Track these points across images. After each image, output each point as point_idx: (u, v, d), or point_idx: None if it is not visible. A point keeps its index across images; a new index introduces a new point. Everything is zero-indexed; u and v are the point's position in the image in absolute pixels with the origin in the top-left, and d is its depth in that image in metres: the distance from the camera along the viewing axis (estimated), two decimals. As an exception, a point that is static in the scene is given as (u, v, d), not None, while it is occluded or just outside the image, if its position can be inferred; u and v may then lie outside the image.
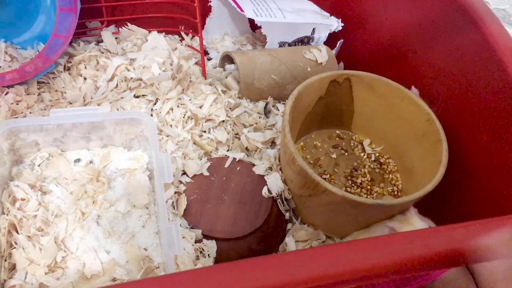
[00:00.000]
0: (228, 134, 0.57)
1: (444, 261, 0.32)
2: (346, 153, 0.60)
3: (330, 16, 0.71)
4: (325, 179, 0.56)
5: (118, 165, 0.54)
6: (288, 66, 0.62)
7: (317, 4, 0.73)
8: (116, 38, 0.66)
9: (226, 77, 0.63)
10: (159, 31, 0.68)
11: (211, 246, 0.48)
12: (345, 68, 0.74)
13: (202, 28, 0.72)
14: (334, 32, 0.70)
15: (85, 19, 0.66)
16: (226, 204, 0.51)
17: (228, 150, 0.57)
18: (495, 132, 0.47)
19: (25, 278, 0.44)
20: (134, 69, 0.60)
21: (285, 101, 0.54)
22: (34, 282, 0.44)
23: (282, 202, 0.52)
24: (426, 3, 0.57)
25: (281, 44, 0.68)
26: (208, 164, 0.53)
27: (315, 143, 0.61)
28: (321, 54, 0.64)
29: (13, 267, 0.44)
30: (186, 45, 0.68)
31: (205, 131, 0.57)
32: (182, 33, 0.71)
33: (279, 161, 0.55)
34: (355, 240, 0.33)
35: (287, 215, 0.53)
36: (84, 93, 0.58)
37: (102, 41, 0.65)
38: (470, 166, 0.51)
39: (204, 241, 0.48)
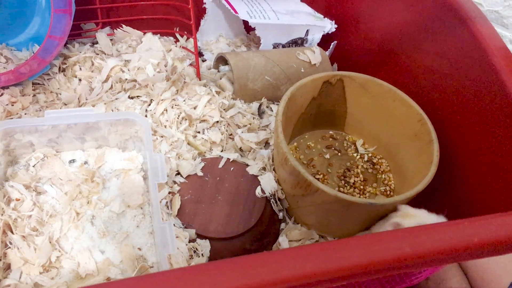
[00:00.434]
0: (222, 134, 0.57)
1: (433, 259, 0.33)
2: (339, 154, 0.61)
3: (324, 17, 0.72)
4: (318, 179, 0.57)
5: (112, 165, 0.54)
6: (282, 67, 0.63)
7: (311, 6, 0.74)
8: (111, 39, 0.66)
9: (221, 78, 0.64)
10: (154, 33, 0.69)
11: (204, 246, 0.48)
12: (339, 69, 0.75)
13: (197, 29, 0.72)
14: (327, 33, 0.71)
15: (80, 21, 0.66)
16: (219, 204, 0.51)
17: (222, 151, 0.57)
18: (485, 131, 0.48)
19: (20, 277, 0.44)
20: (128, 70, 0.60)
21: (279, 102, 0.54)
22: (29, 281, 0.44)
23: (276, 202, 0.53)
24: (417, 5, 0.58)
25: (275, 46, 0.69)
26: (202, 164, 0.54)
27: (308, 143, 0.61)
28: (315, 55, 0.65)
29: (8, 267, 0.45)
30: (180, 46, 0.68)
31: (199, 132, 0.57)
32: (177, 35, 0.72)
33: (273, 161, 0.55)
34: (345, 238, 0.33)
35: (280, 215, 0.54)
36: (79, 94, 0.58)
37: (97, 43, 0.65)
38: (461, 166, 0.51)
39: (198, 240, 0.49)
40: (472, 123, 0.50)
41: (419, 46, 0.58)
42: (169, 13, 0.68)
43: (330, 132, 0.63)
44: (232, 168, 0.54)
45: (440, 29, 0.54)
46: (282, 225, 0.55)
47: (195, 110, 0.58)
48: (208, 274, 0.27)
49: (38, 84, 0.59)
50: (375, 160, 0.60)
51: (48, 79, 0.59)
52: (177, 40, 0.72)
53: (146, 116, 0.57)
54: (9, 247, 0.45)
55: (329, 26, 0.70)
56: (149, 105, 0.58)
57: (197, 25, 0.73)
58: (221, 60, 0.66)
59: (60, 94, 0.58)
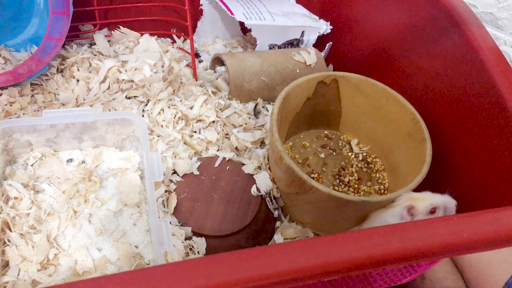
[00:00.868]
0: (218, 134, 0.58)
1: (422, 254, 0.33)
2: (334, 153, 0.61)
3: (319, 19, 0.72)
4: (313, 178, 0.57)
5: (110, 164, 0.55)
6: (278, 68, 0.63)
7: (306, 7, 0.75)
8: (108, 41, 0.67)
9: (217, 79, 0.64)
10: (151, 34, 0.69)
11: (200, 243, 0.49)
12: (334, 70, 0.76)
13: (193, 31, 0.73)
14: (323, 34, 0.72)
15: (78, 22, 0.67)
16: (215, 203, 0.52)
17: (218, 150, 0.58)
18: (477, 130, 0.49)
19: (18, 274, 0.45)
20: (126, 71, 0.61)
21: (275, 102, 0.55)
22: (27, 278, 0.45)
23: (271, 201, 0.54)
24: (412, 8, 0.58)
25: (271, 47, 0.70)
26: (199, 163, 0.55)
27: (303, 143, 0.62)
28: (310, 56, 0.66)
29: (6, 264, 0.45)
30: (177, 47, 0.69)
31: (195, 131, 0.58)
32: (174, 36, 0.72)
33: (268, 160, 0.56)
34: (336, 234, 0.34)
35: (275, 213, 0.55)
36: (77, 94, 0.59)
37: (94, 44, 0.66)
38: (453, 164, 0.52)
39: (194, 238, 0.49)
40: (464, 122, 0.50)
41: (413, 47, 0.59)
42: (166, 14, 0.69)
43: (325, 132, 0.64)
44: (228, 167, 0.55)
45: (433, 31, 0.55)
46: (278, 224, 0.55)
47: (191, 110, 0.58)
48: (199, 268, 0.28)
49: (37, 84, 0.60)
50: (369, 159, 0.61)
51: (46, 79, 0.60)
52: (174, 41, 0.73)
53: (143, 116, 0.58)
54: (8, 245, 0.46)
55: (324, 27, 0.71)
56: (146, 105, 0.58)
57: (194, 26, 0.74)
58: (218, 60, 0.67)
59: (58, 94, 0.59)
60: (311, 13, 0.73)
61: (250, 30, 0.68)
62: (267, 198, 0.53)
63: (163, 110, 0.58)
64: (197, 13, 0.73)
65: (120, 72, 0.60)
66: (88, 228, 0.49)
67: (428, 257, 0.34)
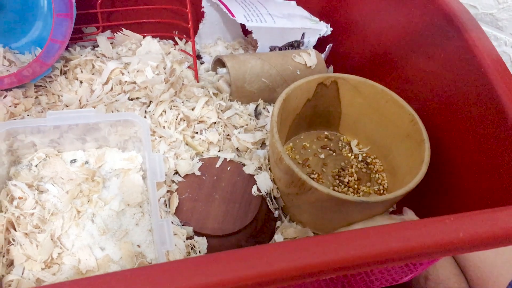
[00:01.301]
0: (219, 135, 0.58)
1: (419, 253, 0.34)
2: (334, 154, 0.62)
3: (320, 21, 0.73)
4: (313, 178, 0.58)
5: (113, 165, 0.56)
6: (278, 69, 0.64)
7: (306, 9, 0.75)
8: (111, 43, 0.68)
9: (218, 80, 0.65)
10: (153, 36, 0.70)
11: (201, 243, 0.50)
12: (334, 71, 0.77)
13: (195, 33, 0.74)
14: (323, 36, 0.72)
15: (81, 25, 0.68)
16: (216, 202, 0.52)
17: (219, 151, 0.58)
18: (475, 132, 0.49)
19: (22, 273, 0.45)
20: (128, 72, 0.62)
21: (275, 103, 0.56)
22: (31, 277, 0.45)
23: (271, 201, 0.54)
24: (411, 10, 0.59)
25: (272, 48, 0.70)
26: (200, 164, 0.55)
27: (304, 144, 0.63)
28: (310, 58, 0.66)
29: (11, 263, 0.46)
30: (179, 49, 0.70)
31: (197, 132, 0.59)
32: (176, 38, 0.73)
33: (268, 161, 0.57)
34: (334, 233, 0.35)
35: (276, 213, 0.55)
36: (80, 96, 0.60)
37: (98, 46, 0.67)
38: (451, 165, 0.53)
39: (195, 237, 0.50)
40: (462, 123, 0.51)
41: (412, 49, 0.60)
42: (168, 16, 0.69)
43: (325, 133, 0.64)
44: (229, 168, 0.56)
45: (432, 34, 0.56)
46: (278, 223, 0.56)
47: (193, 111, 0.59)
48: (200, 267, 0.29)
49: (41, 86, 0.61)
50: (369, 160, 0.61)
51: (50, 81, 0.61)
52: (176, 43, 0.74)
53: (145, 117, 0.58)
54: (12, 244, 0.47)
55: (325, 29, 0.71)
56: (148, 106, 0.59)
57: (196, 28, 0.75)
58: (219, 62, 0.68)
59: (62, 96, 0.60)
60: (311, 15, 0.74)
61: (251, 32, 0.69)
62: (268, 198, 0.54)
63: (165, 111, 0.58)
64: (199, 15, 0.73)
65: (123, 74, 0.61)
66: (91, 228, 0.50)
67: (424, 256, 0.35)
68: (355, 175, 0.60)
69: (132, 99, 0.60)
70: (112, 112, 0.58)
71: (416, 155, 0.53)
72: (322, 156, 0.61)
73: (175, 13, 0.69)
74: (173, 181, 0.53)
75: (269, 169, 0.56)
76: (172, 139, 0.56)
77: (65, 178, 0.53)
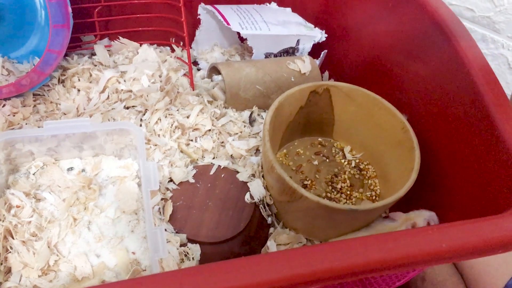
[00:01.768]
0: (213, 142, 0.59)
1: (401, 264, 0.35)
2: (327, 160, 0.63)
3: (315, 27, 0.74)
4: (306, 185, 0.59)
5: (109, 173, 0.57)
6: (272, 76, 0.65)
7: (302, 16, 0.76)
8: (108, 50, 0.69)
9: (213, 88, 0.66)
10: (151, 43, 0.71)
11: (195, 250, 0.51)
12: (330, 77, 0.77)
13: (192, 39, 0.75)
14: (318, 42, 0.73)
15: (79, 33, 0.69)
16: (210, 210, 0.53)
17: (213, 158, 0.59)
18: (464, 139, 0.50)
19: (20, 280, 0.47)
20: (124, 81, 0.63)
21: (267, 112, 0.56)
22: (28, 284, 0.47)
23: (264, 208, 0.55)
24: (403, 18, 0.60)
25: (267, 55, 0.71)
26: (194, 171, 0.56)
27: (297, 150, 0.63)
28: (305, 64, 0.67)
29: (8, 271, 0.47)
30: (175, 57, 0.71)
31: (192, 140, 0.60)
32: (174, 46, 0.74)
33: (262, 168, 0.58)
34: (317, 244, 0.36)
35: (269, 219, 0.56)
36: (78, 104, 0.61)
37: (95, 54, 0.68)
38: (442, 172, 0.53)
39: (189, 245, 0.51)
40: (452, 132, 0.52)
41: (405, 56, 0.60)
42: (165, 25, 0.70)
43: (319, 139, 0.65)
44: (223, 175, 0.57)
45: (423, 43, 0.56)
46: (271, 230, 0.57)
47: (188, 119, 0.60)
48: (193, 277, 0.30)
49: (39, 95, 0.62)
50: (362, 166, 0.62)
51: (48, 90, 0.62)
52: (173, 50, 0.75)
53: (141, 125, 0.59)
54: (10, 252, 0.48)
55: (319, 35, 0.72)
56: (144, 114, 0.60)
57: (192, 35, 0.75)
58: (214, 69, 0.68)
59: (60, 104, 0.61)
60: (306, 21, 0.75)
61: (247, 39, 0.69)
62: (261, 205, 0.55)
63: (160, 119, 0.59)
64: (196, 22, 0.74)
65: (119, 82, 0.62)
66: (87, 235, 0.51)
67: (406, 267, 0.36)
68: (348, 181, 0.60)
69: (128, 108, 0.61)
70: (109, 120, 0.59)
71: (407, 162, 0.53)
72: (316, 162, 0.62)
73: (171, 21, 0.70)
74: (167, 189, 0.54)
75: (262, 176, 0.57)
76: (167, 147, 0.57)
77: (62, 186, 0.54)
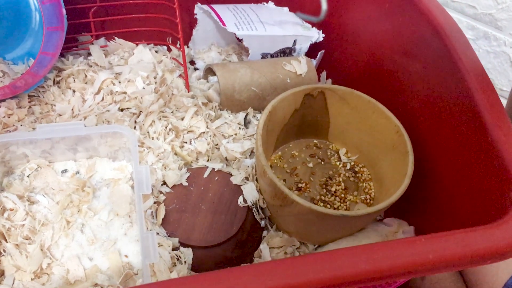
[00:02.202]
0: (208, 145, 0.59)
1: (389, 275, 0.35)
2: (322, 162, 0.63)
3: (312, 27, 0.73)
4: (300, 187, 0.59)
5: (103, 175, 0.57)
6: (268, 78, 0.65)
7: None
8: (104, 51, 0.69)
9: (209, 89, 0.66)
10: (148, 43, 0.71)
11: (187, 254, 0.51)
12: (328, 77, 0.77)
13: (188, 40, 0.75)
14: (315, 42, 0.72)
15: (75, 34, 0.69)
16: (203, 213, 0.53)
17: (208, 160, 0.59)
18: (458, 145, 0.49)
19: (13, 283, 0.47)
20: (119, 82, 0.63)
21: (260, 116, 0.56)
22: (21, 287, 0.47)
23: (257, 211, 0.55)
24: (401, 21, 0.59)
25: (264, 56, 0.71)
26: (188, 174, 0.56)
27: (292, 152, 0.63)
28: (301, 65, 0.67)
29: (1, 273, 0.48)
30: (171, 57, 0.71)
31: (186, 142, 0.60)
32: (170, 46, 0.74)
33: (256, 171, 0.58)
34: (306, 255, 0.36)
35: (262, 223, 0.56)
36: (73, 105, 0.61)
37: (91, 54, 0.68)
38: (436, 177, 0.53)
39: (181, 248, 0.51)
40: (446, 138, 0.51)
41: (402, 60, 0.60)
42: (161, 25, 0.70)
43: (314, 141, 0.65)
44: (216, 178, 0.57)
45: (420, 47, 0.56)
46: (265, 233, 0.57)
47: (182, 122, 0.60)
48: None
49: (34, 96, 0.62)
50: (357, 169, 0.62)
51: (43, 91, 0.62)
52: (170, 50, 0.74)
53: (135, 127, 0.59)
54: (3, 255, 0.48)
55: (316, 35, 0.72)
56: (138, 116, 0.60)
57: (189, 34, 0.75)
58: (210, 70, 0.68)
59: (55, 105, 0.61)
60: (303, 21, 0.74)
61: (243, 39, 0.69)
62: (254, 209, 0.55)
63: (154, 122, 0.59)
64: (193, 21, 0.74)
65: (114, 84, 0.62)
66: (80, 238, 0.51)
67: (394, 277, 0.36)
68: (342, 184, 0.60)
69: (122, 110, 0.61)
70: (103, 122, 0.59)
71: (401, 166, 0.53)
72: (311, 164, 0.62)
73: (167, 21, 0.70)
74: (160, 192, 0.55)
75: (256, 179, 0.57)
76: (161, 150, 0.57)
77: (56, 189, 0.54)
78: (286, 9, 0.76)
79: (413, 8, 0.56)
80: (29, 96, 0.62)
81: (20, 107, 0.60)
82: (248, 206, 0.55)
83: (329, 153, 0.64)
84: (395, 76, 0.61)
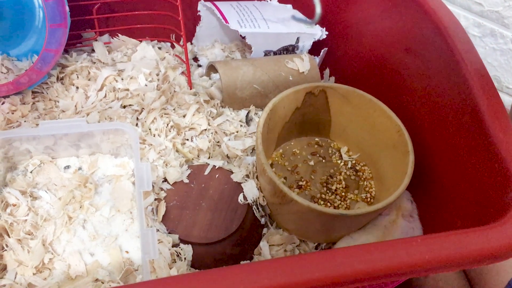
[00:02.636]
0: (209, 142, 0.60)
1: (385, 275, 0.35)
2: (323, 160, 0.63)
3: (315, 25, 0.73)
4: (301, 185, 0.59)
5: (105, 171, 0.58)
6: (270, 75, 0.65)
7: (302, 13, 0.75)
8: (108, 47, 0.69)
9: (211, 86, 0.66)
10: (152, 40, 0.71)
11: (187, 250, 0.51)
12: (331, 75, 0.77)
13: (191, 37, 0.75)
14: (318, 40, 0.72)
15: (78, 30, 0.69)
16: (203, 210, 0.54)
17: (209, 158, 0.60)
18: (458, 146, 0.49)
19: (15, 278, 0.48)
20: (122, 79, 0.63)
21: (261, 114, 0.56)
22: (23, 282, 0.48)
23: (258, 208, 0.55)
24: (403, 19, 0.59)
25: (267, 53, 0.71)
26: (189, 171, 0.57)
27: (294, 150, 0.63)
28: (303, 63, 0.67)
29: (4, 268, 0.48)
30: (174, 54, 0.71)
31: (187, 139, 0.60)
32: (174, 43, 0.74)
33: (256, 168, 0.58)
34: (301, 254, 0.36)
35: (262, 220, 0.56)
36: (76, 102, 0.62)
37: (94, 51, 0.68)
38: (437, 177, 0.53)
39: (181, 245, 0.52)
40: (446, 138, 0.51)
41: (404, 58, 0.60)
42: (165, 22, 0.70)
43: (316, 139, 0.65)
44: (217, 175, 0.57)
45: (423, 45, 0.56)
46: (265, 230, 0.57)
47: (184, 119, 0.60)
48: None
49: (38, 92, 0.62)
50: (358, 167, 0.62)
51: (46, 87, 0.63)
52: (173, 46, 0.75)
53: (137, 124, 0.60)
54: (5, 250, 0.49)
55: (320, 33, 0.71)
56: (140, 113, 0.61)
57: (193, 31, 0.75)
58: (213, 67, 0.68)
59: (58, 102, 0.62)
60: (307, 18, 0.74)
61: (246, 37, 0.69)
62: (254, 206, 0.55)
63: (156, 119, 0.60)
64: (196, 18, 0.74)
65: (117, 81, 0.63)
66: (82, 234, 0.52)
67: (390, 277, 0.36)
68: (343, 182, 0.60)
69: (125, 106, 0.61)
70: (105, 119, 0.60)
71: (401, 166, 0.53)
72: (312, 163, 0.62)
73: (171, 18, 0.70)
74: (161, 189, 0.55)
75: (256, 177, 0.57)
76: (162, 147, 0.57)
77: (58, 185, 0.55)
78: (289, 6, 0.76)
79: (416, 6, 0.56)
80: (32, 92, 0.62)
81: (23, 103, 0.61)
82: (248, 203, 0.55)
83: (330, 152, 0.64)
84: (397, 75, 0.61)
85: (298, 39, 0.71)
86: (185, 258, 0.51)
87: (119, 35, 0.69)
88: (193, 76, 0.69)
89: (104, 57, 0.66)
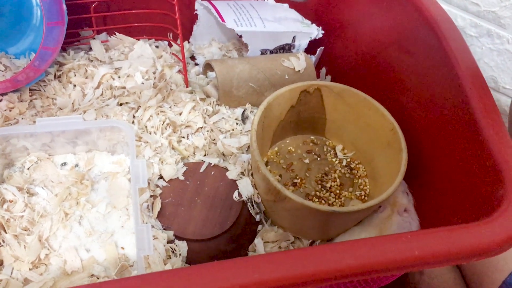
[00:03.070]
0: (205, 140, 0.60)
1: (375, 270, 0.35)
2: (319, 158, 0.63)
3: (312, 23, 0.73)
4: (296, 183, 0.60)
5: (102, 168, 0.58)
6: (266, 74, 0.65)
7: (299, 12, 0.76)
8: (105, 45, 0.70)
9: (207, 84, 0.67)
10: (149, 38, 0.72)
11: (182, 247, 0.52)
12: (327, 73, 0.77)
13: (188, 36, 0.75)
14: (315, 39, 0.73)
15: (76, 29, 0.70)
16: (198, 207, 0.54)
17: (205, 155, 0.60)
18: (451, 143, 0.50)
19: (11, 273, 0.48)
20: (119, 77, 0.64)
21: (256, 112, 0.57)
22: (20, 277, 0.48)
23: (252, 206, 0.56)
24: (397, 17, 0.59)
25: (263, 52, 0.71)
26: (185, 168, 0.57)
27: (289, 148, 0.64)
28: (299, 62, 0.67)
29: (0, 263, 0.49)
30: (171, 53, 0.71)
31: (183, 137, 0.60)
32: (171, 41, 0.75)
33: (251, 166, 0.58)
34: (292, 250, 0.36)
35: (257, 217, 0.57)
36: (73, 99, 0.62)
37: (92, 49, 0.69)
38: (429, 174, 0.54)
39: (176, 241, 0.52)
40: (439, 136, 0.52)
41: (399, 56, 0.60)
42: (162, 21, 0.71)
43: (311, 137, 0.65)
44: (212, 173, 0.57)
45: (416, 44, 0.56)
46: (259, 227, 0.58)
47: (180, 116, 0.61)
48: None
49: (35, 90, 0.63)
50: (353, 165, 0.62)
51: (44, 85, 0.63)
52: (171, 45, 0.75)
53: (133, 122, 0.60)
54: (2, 245, 0.49)
55: (316, 32, 0.72)
56: (137, 111, 0.61)
57: (190, 29, 0.76)
58: (209, 66, 0.69)
59: (56, 99, 0.62)
60: (303, 17, 0.74)
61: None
62: (249, 204, 0.56)
63: (152, 116, 0.60)
64: (194, 16, 0.75)
65: (113, 79, 0.63)
66: (78, 230, 0.52)
67: (379, 272, 0.36)
68: (338, 180, 0.61)
69: (121, 104, 0.62)
70: (102, 117, 0.60)
71: (395, 164, 0.54)
72: (307, 161, 0.63)
73: (168, 16, 0.70)
74: (157, 186, 0.55)
75: (251, 174, 0.57)
76: (158, 144, 0.58)
77: (55, 181, 0.55)
78: (286, 5, 0.76)
79: (410, 5, 0.57)
80: (30, 90, 0.63)
81: (21, 101, 0.61)
82: (243, 200, 0.55)
83: (325, 150, 0.64)
84: (391, 73, 0.61)
85: (294, 38, 0.71)
86: (180, 254, 0.51)
87: (117, 33, 0.70)
88: (190, 75, 0.70)
89: (101, 55, 0.67)
